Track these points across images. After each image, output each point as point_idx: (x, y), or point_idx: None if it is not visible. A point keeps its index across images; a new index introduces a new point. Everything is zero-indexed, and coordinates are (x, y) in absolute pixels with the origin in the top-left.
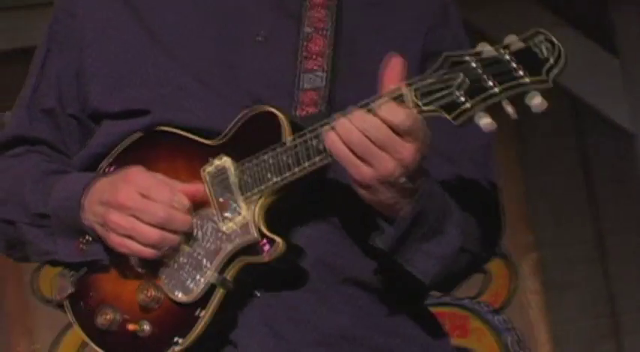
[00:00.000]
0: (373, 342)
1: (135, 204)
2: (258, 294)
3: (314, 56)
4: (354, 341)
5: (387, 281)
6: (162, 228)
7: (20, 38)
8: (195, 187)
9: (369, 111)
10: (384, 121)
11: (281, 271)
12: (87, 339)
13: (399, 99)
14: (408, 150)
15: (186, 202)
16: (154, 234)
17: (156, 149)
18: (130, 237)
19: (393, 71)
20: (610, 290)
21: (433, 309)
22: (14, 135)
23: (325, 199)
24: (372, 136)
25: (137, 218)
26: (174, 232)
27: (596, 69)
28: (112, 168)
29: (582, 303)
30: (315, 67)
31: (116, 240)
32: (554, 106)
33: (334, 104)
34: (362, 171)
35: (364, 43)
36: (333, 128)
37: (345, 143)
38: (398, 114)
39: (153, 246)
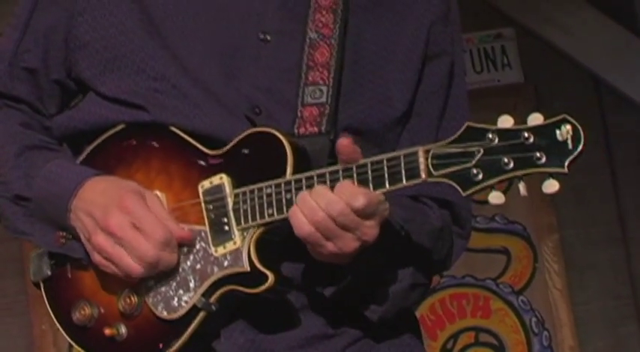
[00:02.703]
0: (347, 335)
1: (126, 235)
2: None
3: (319, 68)
4: (328, 338)
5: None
6: (146, 266)
7: None
8: (189, 234)
9: (332, 187)
10: (347, 205)
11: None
12: (62, 331)
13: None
14: (370, 229)
15: (175, 246)
16: (137, 269)
17: (150, 147)
18: (112, 262)
19: (348, 151)
20: (632, 272)
21: (455, 290)
22: None
23: None
24: (336, 220)
25: (125, 248)
26: (157, 270)
27: (620, 50)
28: (100, 158)
29: (604, 284)
30: (319, 80)
31: (97, 260)
32: (577, 87)
33: (336, 121)
34: (323, 248)
35: (369, 51)
36: (305, 210)
37: (310, 223)
38: (359, 199)
39: (132, 278)
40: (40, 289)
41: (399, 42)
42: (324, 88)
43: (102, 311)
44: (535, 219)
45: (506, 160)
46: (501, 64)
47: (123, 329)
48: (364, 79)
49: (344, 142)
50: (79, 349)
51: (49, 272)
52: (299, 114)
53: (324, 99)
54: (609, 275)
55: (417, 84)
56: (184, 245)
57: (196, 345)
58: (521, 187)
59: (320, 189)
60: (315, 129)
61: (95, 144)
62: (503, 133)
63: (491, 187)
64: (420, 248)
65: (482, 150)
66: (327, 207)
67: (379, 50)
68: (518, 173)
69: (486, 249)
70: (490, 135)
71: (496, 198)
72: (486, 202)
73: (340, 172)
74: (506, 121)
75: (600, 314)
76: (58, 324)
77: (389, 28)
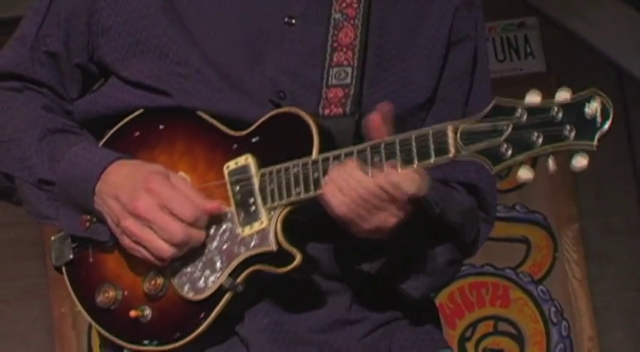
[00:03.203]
0: (369, 322)
1: (154, 218)
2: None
3: (343, 49)
4: (350, 323)
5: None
6: (176, 246)
7: None
8: (218, 205)
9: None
10: (382, 189)
11: (293, 278)
12: (85, 314)
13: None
14: (406, 205)
15: (205, 221)
16: (167, 250)
17: (173, 130)
18: (142, 246)
19: (377, 130)
20: None
21: (474, 279)
22: (12, 72)
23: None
24: (373, 196)
25: (154, 231)
26: (187, 248)
27: None
28: (122, 141)
29: (623, 275)
30: (343, 62)
31: (127, 244)
32: (600, 77)
33: (360, 103)
34: (359, 226)
35: (393, 35)
36: (340, 190)
37: (346, 201)
38: (407, 186)
39: (162, 260)
40: (62, 273)
41: (423, 26)
42: (349, 70)
43: (126, 293)
44: (555, 208)
45: (535, 136)
46: (524, 53)
47: (147, 311)
48: (388, 63)
49: (375, 118)
50: (103, 332)
51: (72, 256)
52: (324, 95)
53: (348, 81)
54: (629, 266)
55: (440, 69)
56: (214, 219)
57: (220, 328)
58: (550, 163)
59: (352, 167)
60: (340, 110)
61: (116, 128)
62: (532, 109)
63: (520, 163)
64: (455, 225)
65: (511, 126)
66: (361, 184)
67: (403, 34)
68: (548, 148)
69: (506, 238)
70: (519, 112)
71: (525, 173)
72: (507, 191)
73: (368, 150)
74: (534, 96)
75: (619, 304)
76: (80, 307)
77: (413, 11)
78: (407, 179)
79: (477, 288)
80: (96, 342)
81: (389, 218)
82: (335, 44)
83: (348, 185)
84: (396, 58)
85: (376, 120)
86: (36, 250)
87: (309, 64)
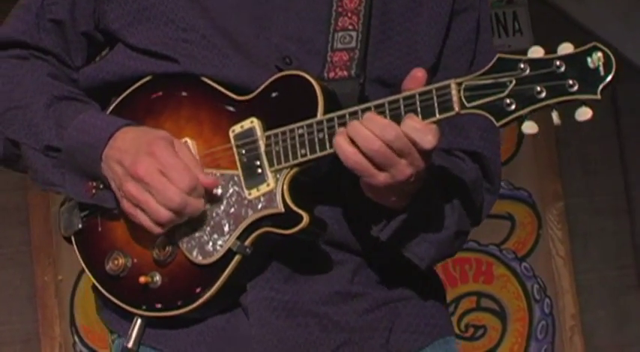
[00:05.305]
0: (370, 297)
1: (152, 181)
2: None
3: (348, 14)
4: (351, 297)
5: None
6: (173, 211)
7: None
8: (215, 181)
9: (392, 117)
10: (406, 136)
11: (299, 241)
12: (95, 282)
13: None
14: (425, 157)
15: (202, 192)
16: (164, 214)
17: (179, 96)
18: (141, 209)
19: (414, 83)
20: (635, 241)
21: (458, 254)
22: (17, 39)
23: (340, 176)
24: (394, 146)
25: (152, 195)
26: (184, 216)
27: (630, 19)
28: (129, 109)
29: (607, 253)
30: (348, 26)
31: (127, 208)
32: None
33: (365, 66)
34: (377, 179)
35: (397, 2)
36: (351, 140)
37: (363, 152)
38: (424, 133)
39: (160, 225)
40: (71, 242)
41: None
42: (354, 34)
43: (135, 260)
44: (541, 186)
45: (538, 89)
46: (512, 29)
47: (157, 277)
48: (393, 31)
49: (419, 73)
50: (113, 299)
51: (80, 226)
52: (328, 58)
53: (353, 44)
54: (612, 245)
55: (444, 38)
56: (212, 191)
57: (226, 294)
58: (555, 116)
59: (371, 116)
60: (345, 73)
61: (123, 95)
62: (534, 63)
63: (524, 117)
64: (461, 195)
65: (514, 80)
66: (382, 133)
67: (407, 2)
68: (551, 101)
69: (491, 215)
70: (522, 65)
71: (529, 127)
72: None
73: (372, 109)
74: (536, 52)
75: (602, 282)
76: (90, 276)
77: None
78: (427, 127)
79: (461, 264)
80: (81, 310)
81: (405, 169)
82: (340, 9)
83: (367, 134)
84: (400, 26)
85: (420, 75)
86: (19, 217)
87: (315, 29)
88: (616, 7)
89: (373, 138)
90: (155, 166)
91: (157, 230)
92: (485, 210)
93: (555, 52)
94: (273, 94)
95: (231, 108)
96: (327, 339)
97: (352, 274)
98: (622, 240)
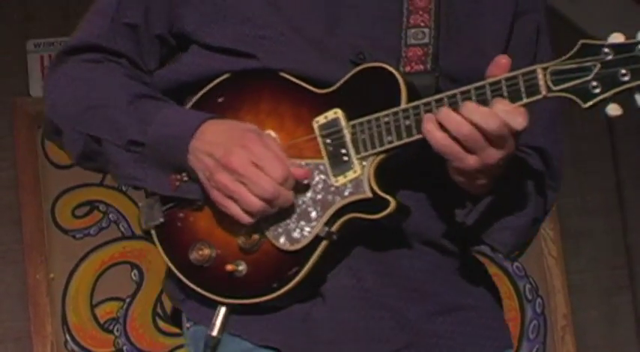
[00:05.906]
0: (442, 299)
1: (247, 172)
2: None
3: (419, 12)
4: (425, 296)
5: (462, 247)
6: (266, 201)
7: None
8: (306, 172)
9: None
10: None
11: (385, 227)
12: (177, 273)
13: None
14: (513, 141)
15: (293, 183)
16: (257, 204)
17: (258, 92)
18: (233, 199)
19: (499, 69)
20: (627, 241)
21: None
22: (93, 43)
23: (421, 163)
24: (486, 129)
25: (245, 185)
26: (276, 206)
27: (623, 19)
28: (207, 105)
29: (599, 253)
30: (420, 23)
31: (218, 198)
32: None
33: (438, 62)
34: (467, 162)
35: (463, 2)
36: (440, 123)
37: (453, 136)
38: (515, 115)
39: (251, 215)
40: (151, 236)
41: None
42: (426, 30)
43: (219, 250)
44: None
45: (623, 72)
46: None
47: (242, 266)
48: (460, 30)
49: (503, 60)
50: (198, 289)
51: (162, 219)
52: (403, 54)
53: (427, 40)
54: (604, 244)
55: (507, 39)
56: (301, 182)
57: (312, 282)
58: (638, 99)
59: (470, 105)
60: (421, 66)
61: (202, 92)
62: (617, 47)
63: (609, 100)
64: (535, 183)
65: (599, 64)
66: (480, 121)
67: (469, 2)
68: (634, 83)
69: None
70: (605, 50)
71: (614, 109)
72: None
73: (458, 95)
74: (617, 37)
75: (594, 282)
76: (173, 267)
77: None
78: (517, 109)
79: None
80: (73, 308)
81: (495, 153)
82: (411, 7)
83: (457, 119)
84: (466, 25)
85: (505, 62)
86: (11, 215)
87: (385, 26)
88: (609, 7)
89: (463, 122)
90: (248, 157)
91: (247, 220)
92: (548, 205)
93: (634, 37)
94: (355, 86)
95: (312, 101)
96: (395, 337)
97: (430, 270)
98: (614, 239)
